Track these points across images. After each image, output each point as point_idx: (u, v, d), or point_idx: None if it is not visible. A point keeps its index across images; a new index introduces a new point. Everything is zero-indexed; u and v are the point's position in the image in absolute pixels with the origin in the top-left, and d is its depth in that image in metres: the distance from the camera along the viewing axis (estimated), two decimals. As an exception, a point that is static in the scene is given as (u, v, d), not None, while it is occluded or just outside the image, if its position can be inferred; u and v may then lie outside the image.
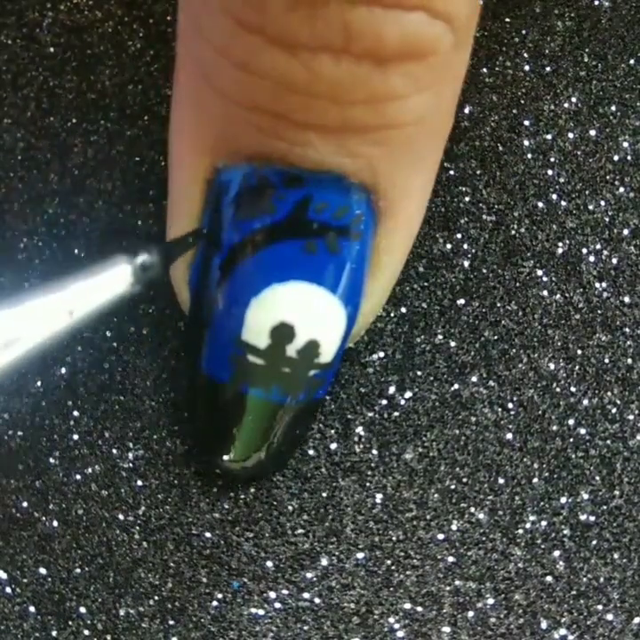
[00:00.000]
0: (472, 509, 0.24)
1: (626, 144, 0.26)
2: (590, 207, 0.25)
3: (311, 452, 0.24)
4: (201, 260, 0.22)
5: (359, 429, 0.24)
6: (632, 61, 0.26)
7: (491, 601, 0.24)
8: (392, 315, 0.25)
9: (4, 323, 0.18)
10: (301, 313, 0.21)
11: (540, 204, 0.25)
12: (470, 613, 0.24)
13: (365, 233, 0.21)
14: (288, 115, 0.19)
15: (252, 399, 0.22)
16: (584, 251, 0.25)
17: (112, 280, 0.19)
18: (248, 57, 0.19)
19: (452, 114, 0.22)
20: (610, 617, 0.24)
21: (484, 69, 0.26)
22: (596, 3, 0.26)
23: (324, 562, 0.24)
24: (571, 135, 0.26)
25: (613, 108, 0.26)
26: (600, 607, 0.24)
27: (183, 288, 0.23)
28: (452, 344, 0.25)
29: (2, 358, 0.18)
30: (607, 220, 0.25)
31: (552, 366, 0.25)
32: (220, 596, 0.24)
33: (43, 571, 0.24)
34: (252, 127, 0.20)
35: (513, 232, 0.25)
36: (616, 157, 0.26)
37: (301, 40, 0.18)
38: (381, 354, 0.25)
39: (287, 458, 0.24)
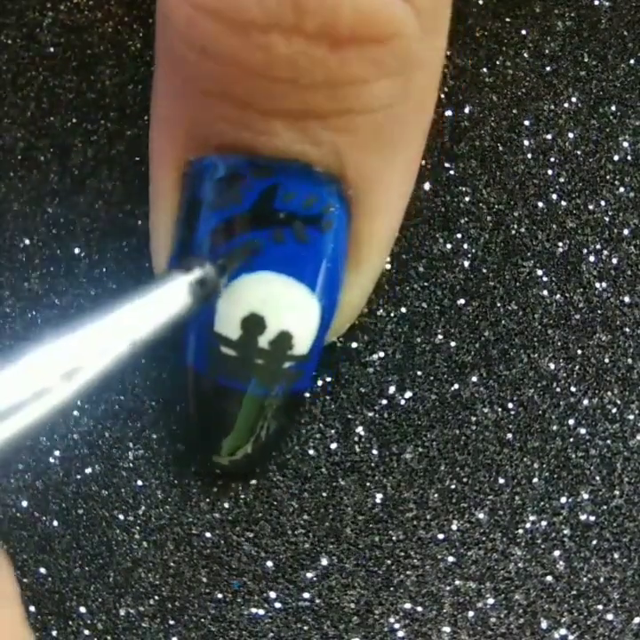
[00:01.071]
0: (472, 509, 0.24)
1: (626, 144, 0.26)
2: (590, 207, 0.25)
3: (311, 451, 0.24)
4: (179, 252, 0.22)
5: (359, 429, 0.24)
6: (632, 61, 0.26)
7: (491, 601, 0.24)
8: (392, 315, 0.25)
9: (63, 353, 0.18)
10: (270, 303, 0.21)
11: (540, 204, 0.25)
12: (470, 613, 0.24)
13: (338, 223, 0.21)
14: (251, 102, 0.19)
15: (229, 392, 0.22)
16: (584, 251, 0.25)
17: (170, 300, 0.19)
18: (207, 42, 0.19)
19: (429, 104, 0.22)
20: (610, 617, 0.24)
21: (484, 69, 0.26)
22: (596, 3, 0.26)
23: (324, 562, 0.24)
24: (571, 135, 0.26)
25: (613, 107, 0.26)
26: (600, 607, 0.24)
27: None
28: (452, 344, 0.25)
29: (64, 389, 0.18)
30: (607, 219, 0.25)
31: (552, 366, 0.25)
32: (220, 596, 0.24)
33: (43, 570, 0.24)
34: (219, 117, 0.20)
35: (513, 232, 0.25)
36: (616, 157, 0.26)
37: (253, 19, 0.18)
38: (381, 354, 0.25)
39: (273, 452, 0.24)
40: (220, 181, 0.21)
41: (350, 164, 0.20)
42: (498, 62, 0.26)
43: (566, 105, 0.26)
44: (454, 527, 0.24)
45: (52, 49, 0.25)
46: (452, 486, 0.24)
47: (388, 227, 0.22)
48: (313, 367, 0.23)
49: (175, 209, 0.22)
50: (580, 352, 0.25)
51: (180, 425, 0.24)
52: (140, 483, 0.24)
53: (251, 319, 0.21)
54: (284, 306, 0.21)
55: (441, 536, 0.24)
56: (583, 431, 0.24)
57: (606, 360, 0.25)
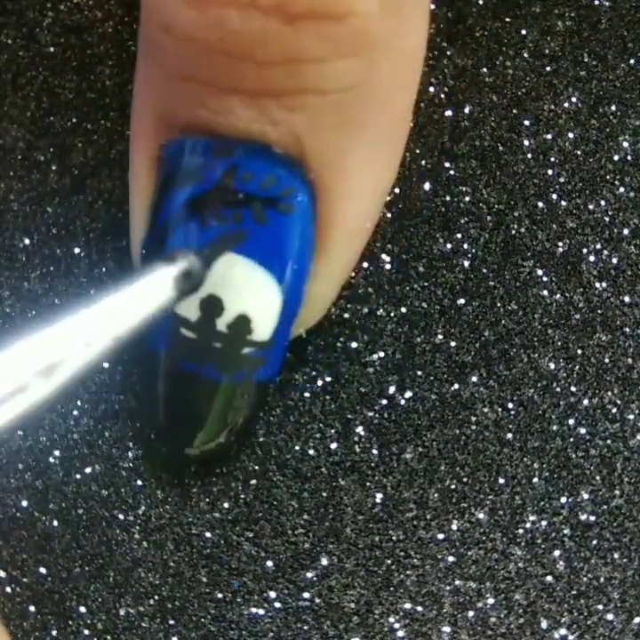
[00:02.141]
0: (472, 509, 0.24)
1: (626, 144, 0.26)
2: (590, 207, 0.25)
3: (311, 451, 0.24)
4: (148, 235, 0.22)
5: (359, 429, 0.24)
6: (632, 61, 0.26)
7: (491, 601, 0.24)
8: (392, 315, 0.25)
9: (42, 348, 0.18)
10: (227, 285, 0.21)
11: (540, 204, 0.25)
12: (470, 613, 0.24)
13: (301, 208, 0.21)
14: (210, 80, 0.20)
15: (188, 375, 0.22)
16: (584, 250, 0.25)
17: (154, 292, 0.19)
18: (170, 20, 0.19)
19: (399, 91, 0.21)
20: (610, 617, 0.24)
21: (484, 69, 0.26)
22: (596, 3, 0.26)
23: (324, 562, 0.24)
24: (571, 135, 0.26)
25: (613, 107, 0.26)
26: (600, 607, 0.24)
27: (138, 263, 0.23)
28: (452, 344, 0.25)
29: (43, 386, 0.17)
30: (607, 219, 0.25)
31: (552, 366, 0.25)
32: (220, 595, 0.24)
33: (43, 570, 0.24)
34: (182, 97, 0.20)
35: (513, 232, 0.25)
36: (616, 157, 0.26)
37: None
38: (381, 354, 0.25)
39: (238, 442, 0.24)
40: (184, 163, 0.21)
41: (309, 145, 0.20)
42: (498, 62, 0.26)
43: (566, 105, 0.26)
44: (454, 527, 0.24)
45: (52, 49, 0.25)
46: (452, 486, 0.24)
47: (354, 214, 0.22)
48: (278, 356, 0.23)
49: (150, 193, 0.22)
50: (580, 352, 0.25)
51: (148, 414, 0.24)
52: (139, 483, 0.24)
53: (209, 300, 0.21)
54: (241, 288, 0.21)
55: (441, 536, 0.24)
56: (583, 431, 0.24)
57: (606, 360, 0.25)
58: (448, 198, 0.25)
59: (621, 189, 0.25)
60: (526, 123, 0.26)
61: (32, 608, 0.24)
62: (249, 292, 0.21)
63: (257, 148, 0.20)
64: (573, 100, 0.26)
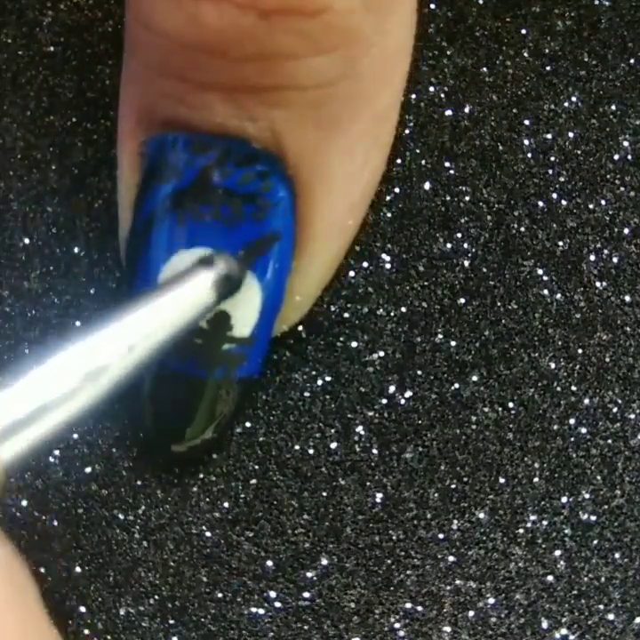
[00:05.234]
0: (472, 509, 0.24)
1: (626, 143, 0.26)
2: (591, 206, 0.25)
3: (311, 451, 0.24)
4: (132, 231, 0.22)
5: (359, 429, 0.24)
6: (632, 61, 0.26)
7: (491, 600, 0.24)
8: (392, 314, 0.25)
9: (89, 351, 0.18)
10: None
11: (541, 204, 0.25)
12: (471, 613, 0.24)
13: (280, 204, 0.21)
14: (187, 76, 0.20)
15: (170, 372, 0.22)
16: (584, 250, 0.25)
17: (194, 297, 0.19)
18: (149, 16, 0.19)
19: (384, 86, 0.21)
20: (611, 617, 0.24)
21: (484, 69, 0.26)
22: (596, 3, 0.26)
23: (324, 561, 0.24)
24: (571, 135, 0.26)
25: (613, 107, 0.26)
26: (601, 607, 0.24)
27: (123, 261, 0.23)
28: (452, 344, 0.25)
29: (88, 391, 0.18)
30: (608, 219, 0.25)
31: (553, 365, 0.25)
32: (219, 595, 0.24)
33: (43, 570, 0.24)
34: (161, 93, 0.20)
35: (513, 231, 0.25)
36: (616, 157, 0.26)
37: None
38: (381, 353, 0.25)
39: (218, 439, 0.24)
40: (164, 159, 0.21)
41: (288, 141, 0.20)
42: (498, 62, 0.26)
43: (566, 105, 0.26)
44: (454, 527, 0.24)
45: (51, 48, 0.25)
46: (453, 486, 0.24)
47: (335, 211, 0.22)
48: (260, 353, 0.23)
49: (134, 190, 0.22)
50: (580, 351, 0.25)
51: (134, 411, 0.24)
52: (139, 483, 0.24)
53: None
54: None
55: (441, 536, 0.24)
56: (584, 430, 0.24)
57: (607, 359, 0.25)
58: (448, 198, 0.25)
59: (622, 189, 0.25)
60: (526, 122, 0.26)
61: (32, 608, 0.24)
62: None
63: (235, 144, 0.20)
64: (573, 99, 0.26)
